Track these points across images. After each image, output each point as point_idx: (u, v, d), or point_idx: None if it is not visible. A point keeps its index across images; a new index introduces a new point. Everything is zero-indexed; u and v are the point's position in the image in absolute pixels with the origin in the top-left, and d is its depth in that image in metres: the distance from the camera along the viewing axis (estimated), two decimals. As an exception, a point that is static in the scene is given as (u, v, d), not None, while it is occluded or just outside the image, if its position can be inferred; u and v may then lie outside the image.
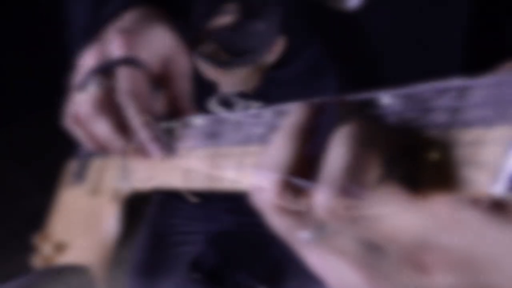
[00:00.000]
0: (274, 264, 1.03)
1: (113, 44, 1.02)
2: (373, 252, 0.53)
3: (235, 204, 1.07)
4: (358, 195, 0.48)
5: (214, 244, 1.11)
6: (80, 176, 1.45)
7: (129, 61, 1.00)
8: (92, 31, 1.14)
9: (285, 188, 0.54)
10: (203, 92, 1.07)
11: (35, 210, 2.40)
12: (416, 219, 0.49)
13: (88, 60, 1.04)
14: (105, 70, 1.01)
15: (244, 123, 0.80)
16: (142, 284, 1.21)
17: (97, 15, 1.16)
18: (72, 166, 1.55)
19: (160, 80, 1.07)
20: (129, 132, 1.01)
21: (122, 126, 1.01)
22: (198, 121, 0.93)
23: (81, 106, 1.02)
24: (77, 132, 1.11)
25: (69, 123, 1.10)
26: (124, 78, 0.99)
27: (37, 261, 1.51)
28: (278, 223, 0.58)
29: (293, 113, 0.58)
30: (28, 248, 1.57)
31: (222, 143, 0.84)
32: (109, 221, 1.21)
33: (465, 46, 0.86)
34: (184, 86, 1.05)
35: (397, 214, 0.49)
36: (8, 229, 2.86)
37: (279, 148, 0.56)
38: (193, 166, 0.89)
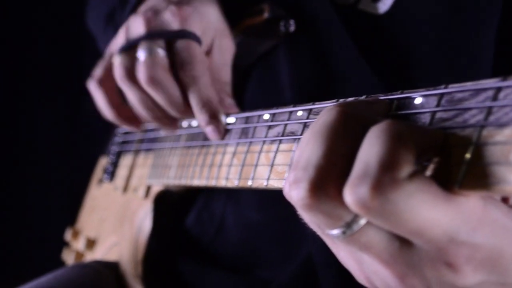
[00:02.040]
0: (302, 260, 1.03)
1: (166, 14, 1.01)
2: (403, 248, 0.54)
3: (264, 200, 1.08)
4: (391, 190, 0.48)
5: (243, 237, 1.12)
6: (110, 173, 1.47)
7: (187, 33, 0.99)
8: (127, 7, 1.15)
9: (317, 187, 0.55)
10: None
11: (66, 207, 2.43)
12: (447, 216, 0.50)
13: (136, 25, 1.02)
14: (155, 36, 0.99)
15: (276, 121, 0.81)
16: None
17: None
18: (102, 163, 1.57)
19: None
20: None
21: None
22: (231, 119, 0.94)
23: (124, 66, 1.00)
24: (98, 94, 1.12)
25: (94, 84, 1.11)
26: (184, 50, 0.98)
27: (69, 257, 1.53)
28: (310, 219, 0.59)
29: (324, 113, 0.59)
30: (60, 244, 1.59)
31: (254, 141, 0.85)
32: (141, 218, 1.22)
33: (496, 47, 0.86)
34: (227, 74, 1.04)
35: (429, 210, 0.49)
36: (42, 225, 2.88)
37: (311, 147, 0.56)
38: (226, 163, 0.90)
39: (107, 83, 1.10)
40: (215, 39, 1.03)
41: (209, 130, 0.95)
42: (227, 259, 1.16)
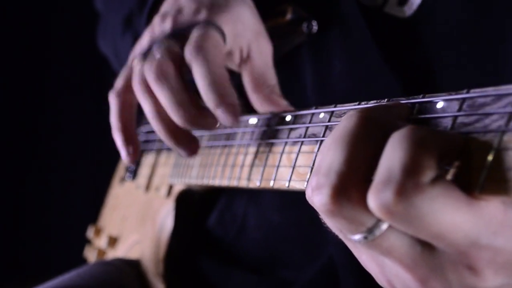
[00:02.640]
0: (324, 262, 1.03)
1: (199, 16, 0.94)
2: (424, 253, 0.54)
3: (285, 201, 1.08)
4: (414, 194, 0.49)
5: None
6: (132, 171, 1.48)
7: (213, 25, 0.92)
8: (145, 10, 1.11)
9: (339, 193, 0.55)
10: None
11: (89, 205, 2.45)
12: (469, 220, 0.50)
13: (163, 26, 0.96)
14: (181, 33, 0.93)
15: (298, 123, 0.81)
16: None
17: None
18: (124, 162, 1.58)
19: (242, 65, 0.99)
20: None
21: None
22: (253, 120, 0.94)
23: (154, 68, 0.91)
24: (112, 106, 1.02)
25: (111, 95, 1.02)
26: (211, 43, 0.90)
27: (91, 254, 1.54)
28: (332, 224, 0.60)
29: (345, 119, 0.59)
30: (83, 242, 1.61)
31: (276, 142, 0.85)
32: (163, 216, 1.23)
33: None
34: (271, 75, 0.98)
35: (451, 214, 0.50)
36: (65, 223, 2.91)
37: (333, 153, 0.57)
38: (248, 163, 0.90)
39: (126, 94, 1.01)
40: (252, 42, 0.97)
41: (220, 113, 0.85)
42: (248, 259, 1.16)
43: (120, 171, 1.60)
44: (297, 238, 1.10)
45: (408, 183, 0.49)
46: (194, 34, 0.91)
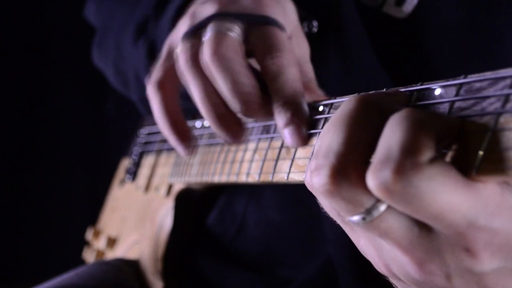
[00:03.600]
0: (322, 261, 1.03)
1: (245, 0, 0.89)
2: (422, 234, 0.55)
3: (285, 200, 1.09)
4: (413, 173, 0.50)
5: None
6: (132, 173, 1.48)
7: (273, 22, 0.86)
8: (167, 12, 1.08)
9: (338, 173, 0.56)
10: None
11: (88, 207, 2.45)
12: (466, 200, 0.51)
13: (206, 9, 0.90)
14: (236, 18, 0.85)
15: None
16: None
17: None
18: (124, 164, 1.59)
19: None
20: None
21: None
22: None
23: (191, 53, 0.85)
24: (154, 99, 0.94)
25: (151, 88, 0.94)
26: (265, 37, 0.84)
27: (89, 255, 1.54)
28: (330, 206, 0.60)
29: (344, 103, 0.60)
30: (82, 243, 1.61)
31: (275, 136, 0.86)
32: (162, 216, 1.23)
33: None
34: (310, 70, 0.92)
35: (449, 194, 0.50)
36: (63, 224, 2.91)
37: (332, 135, 0.58)
38: (248, 159, 0.91)
39: (168, 85, 0.94)
40: (292, 37, 0.92)
41: (287, 133, 0.77)
42: (248, 258, 1.16)
43: (120, 173, 1.60)
44: (296, 237, 1.10)
45: (406, 162, 0.50)
46: (265, 38, 0.84)
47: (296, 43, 0.92)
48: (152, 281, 1.21)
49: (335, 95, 0.76)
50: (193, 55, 0.85)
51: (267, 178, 0.84)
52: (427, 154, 0.51)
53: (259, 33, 0.84)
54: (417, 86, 0.62)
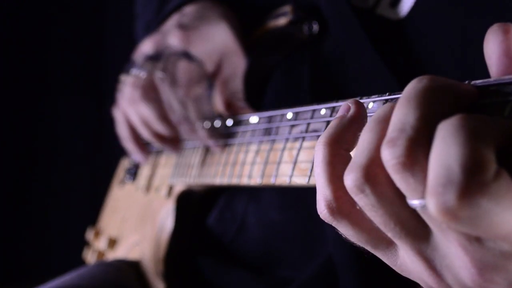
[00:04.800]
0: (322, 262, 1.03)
1: (172, 38, 1.11)
2: (484, 245, 0.50)
3: (285, 200, 1.09)
4: (480, 195, 0.45)
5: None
6: (132, 173, 1.48)
7: (186, 55, 1.08)
8: (154, 24, 1.23)
9: (416, 145, 0.50)
10: (256, 90, 1.09)
11: (88, 208, 2.45)
12: None
13: (146, 47, 1.14)
14: (159, 58, 1.11)
15: (300, 119, 0.82)
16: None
17: (162, 9, 1.26)
18: (124, 164, 1.59)
19: (214, 77, 1.14)
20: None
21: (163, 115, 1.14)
22: (254, 118, 0.95)
23: (131, 86, 1.15)
24: (118, 116, 1.25)
25: (116, 107, 1.25)
26: (182, 71, 1.08)
27: (90, 256, 1.54)
28: (399, 182, 0.53)
29: (412, 83, 0.54)
30: (82, 244, 1.61)
31: (277, 139, 0.86)
32: (163, 217, 1.24)
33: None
34: (237, 84, 1.11)
35: None
36: (64, 225, 2.91)
37: (406, 110, 0.52)
38: (249, 161, 0.91)
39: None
40: (223, 57, 1.14)
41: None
42: (248, 258, 1.16)
43: (120, 173, 1.60)
44: (296, 237, 1.10)
45: (471, 183, 0.45)
46: (169, 66, 1.10)
47: (228, 62, 1.14)
48: (154, 282, 1.21)
49: (336, 95, 0.76)
50: (130, 92, 1.18)
51: (269, 181, 0.85)
52: (491, 169, 0.45)
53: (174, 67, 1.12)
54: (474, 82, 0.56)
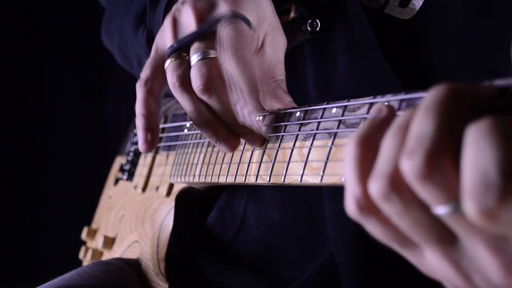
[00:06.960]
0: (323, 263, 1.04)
1: (220, 4, 0.93)
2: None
3: (286, 199, 1.09)
4: None
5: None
6: (128, 172, 1.47)
7: (243, 18, 0.91)
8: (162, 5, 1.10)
9: (434, 156, 0.51)
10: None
11: (85, 206, 2.44)
12: None
13: (186, 19, 0.95)
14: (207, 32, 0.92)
15: (309, 118, 0.81)
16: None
17: None
18: (118, 162, 1.58)
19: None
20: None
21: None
22: (259, 117, 0.94)
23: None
24: (138, 95, 0.99)
25: (139, 85, 0.99)
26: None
27: (85, 255, 1.53)
28: (423, 192, 0.54)
29: (431, 92, 0.54)
30: (81, 243, 1.60)
31: (285, 139, 0.85)
32: (162, 215, 1.23)
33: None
34: (280, 70, 0.97)
35: None
36: (62, 224, 2.90)
37: (423, 121, 0.53)
38: (256, 160, 0.90)
39: (153, 83, 0.99)
40: (268, 34, 0.96)
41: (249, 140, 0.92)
42: (248, 257, 1.16)
43: (114, 172, 1.59)
44: (297, 236, 1.10)
45: (510, 184, 0.45)
46: (224, 32, 0.89)
47: (271, 42, 0.96)
48: (156, 281, 1.21)
49: (342, 95, 0.76)
50: (179, 77, 0.93)
51: (278, 180, 0.84)
52: None
53: (220, 31, 0.90)
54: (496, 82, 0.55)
